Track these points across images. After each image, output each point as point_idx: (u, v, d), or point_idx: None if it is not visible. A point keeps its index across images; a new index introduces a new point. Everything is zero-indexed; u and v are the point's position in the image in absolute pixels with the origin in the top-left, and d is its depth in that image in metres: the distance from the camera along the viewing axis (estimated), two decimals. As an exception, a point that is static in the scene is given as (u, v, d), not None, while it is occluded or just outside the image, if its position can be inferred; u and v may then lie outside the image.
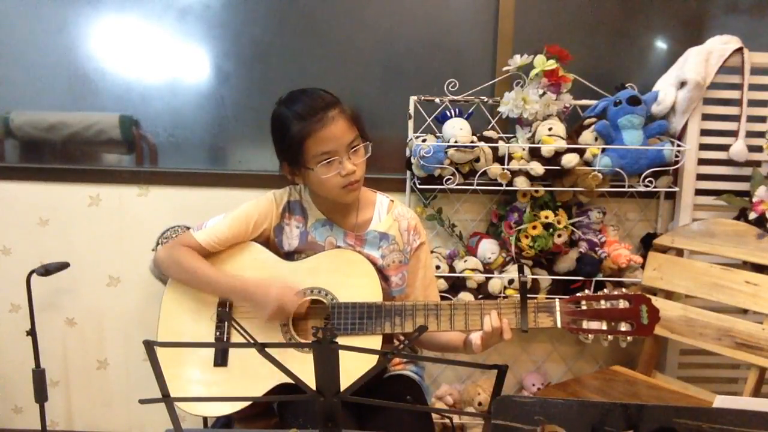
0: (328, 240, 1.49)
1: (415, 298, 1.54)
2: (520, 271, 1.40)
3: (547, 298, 2.06)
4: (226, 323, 1.43)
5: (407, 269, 1.53)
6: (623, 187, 1.96)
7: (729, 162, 2.04)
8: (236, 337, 1.43)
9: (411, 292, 1.54)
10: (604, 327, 1.30)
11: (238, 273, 1.45)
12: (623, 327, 1.30)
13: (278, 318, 1.38)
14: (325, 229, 1.49)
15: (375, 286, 1.41)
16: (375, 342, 1.37)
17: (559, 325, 1.32)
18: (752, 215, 1.93)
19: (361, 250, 1.49)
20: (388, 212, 1.53)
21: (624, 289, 1.99)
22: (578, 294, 1.34)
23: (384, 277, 1.48)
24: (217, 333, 1.42)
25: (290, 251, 1.49)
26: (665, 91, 2.00)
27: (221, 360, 1.40)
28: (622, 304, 1.30)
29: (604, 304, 1.31)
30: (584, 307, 1.32)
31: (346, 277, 1.42)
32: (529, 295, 1.36)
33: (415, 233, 1.54)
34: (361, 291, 1.40)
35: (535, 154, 1.94)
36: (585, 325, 1.31)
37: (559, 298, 1.35)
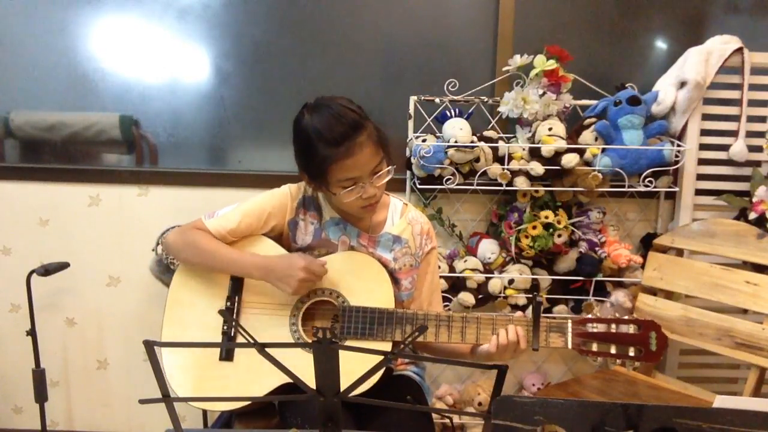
0: (342, 239, 1.48)
1: (420, 303, 1.54)
2: (535, 290, 1.39)
3: (550, 310, 2.06)
4: (234, 317, 1.42)
5: (417, 273, 1.52)
6: (623, 187, 1.96)
7: (729, 162, 2.04)
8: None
9: (417, 296, 1.54)
10: (613, 351, 1.32)
11: None
12: (631, 352, 1.31)
13: (306, 286, 1.36)
14: (339, 228, 1.48)
15: (387, 292, 1.41)
16: (384, 349, 1.36)
17: (569, 346, 1.33)
18: (752, 215, 1.93)
19: (374, 251, 1.48)
20: (402, 216, 1.53)
21: (625, 289, 2.03)
22: (590, 316, 1.35)
23: (394, 280, 1.47)
24: (224, 327, 1.42)
25: (303, 247, 1.48)
26: (665, 91, 2.00)
27: (227, 355, 1.40)
28: (632, 329, 1.31)
29: (614, 328, 1.32)
30: (595, 330, 1.33)
31: (358, 280, 1.41)
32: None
33: (428, 238, 1.53)
34: (373, 296, 1.40)
35: (535, 154, 1.94)
36: (594, 347, 1.32)
37: (571, 319, 1.36)
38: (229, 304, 1.43)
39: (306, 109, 1.38)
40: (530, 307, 1.94)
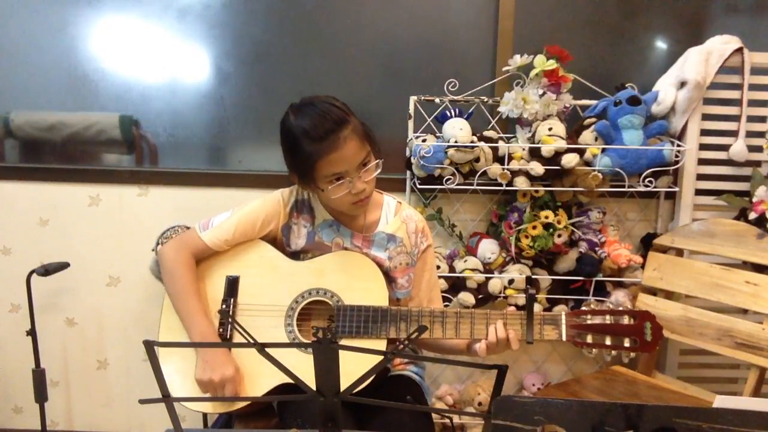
0: (335, 241, 1.48)
1: (419, 301, 1.54)
2: (529, 283, 1.38)
3: (550, 309, 2.06)
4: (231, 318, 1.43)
5: (413, 271, 1.53)
6: (623, 187, 1.96)
7: (729, 162, 2.04)
8: (240, 335, 1.42)
9: (416, 295, 1.54)
10: (608, 342, 1.31)
11: (244, 271, 1.45)
12: (627, 342, 1.31)
13: (207, 386, 1.33)
14: (332, 229, 1.49)
15: (382, 290, 1.41)
16: (379, 346, 1.36)
17: (564, 338, 1.33)
18: (752, 215, 1.93)
19: (368, 251, 1.48)
20: (396, 214, 1.53)
21: (625, 289, 2.03)
22: (584, 308, 1.34)
23: (390, 279, 1.48)
24: (221, 330, 1.42)
25: (297, 251, 1.49)
26: (665, 91, 2.00)
27: None
28: (627, 320, 1.31)
29: (609, 319, 1.32)
30: (589, 322, 1.32)
31: (352, 279, 1.42)
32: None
33: (423, 235, 1.53)
34: (367, 294, 1.40)
35: (535, 154, 1.94)
36: (589, 339, 1.32)
37: (565, 312, 1.36)
38: (224, 306, 1.44)
39: (291, 109, 1.38)
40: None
